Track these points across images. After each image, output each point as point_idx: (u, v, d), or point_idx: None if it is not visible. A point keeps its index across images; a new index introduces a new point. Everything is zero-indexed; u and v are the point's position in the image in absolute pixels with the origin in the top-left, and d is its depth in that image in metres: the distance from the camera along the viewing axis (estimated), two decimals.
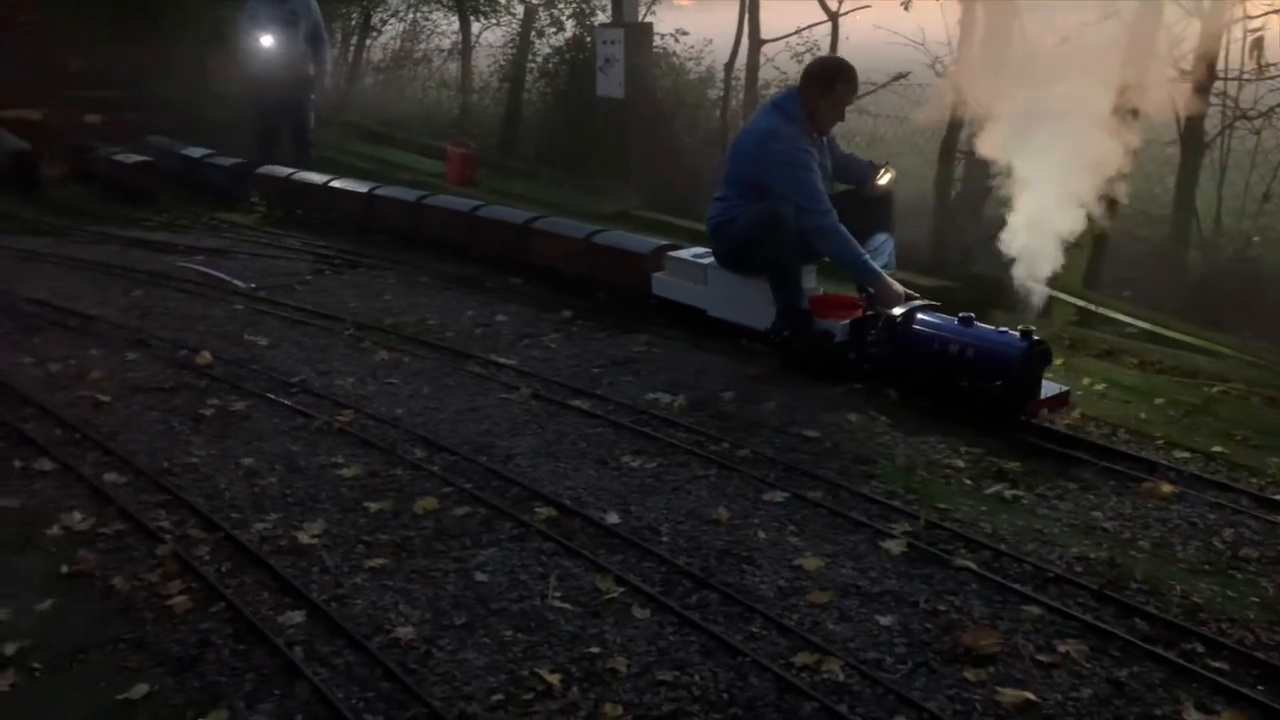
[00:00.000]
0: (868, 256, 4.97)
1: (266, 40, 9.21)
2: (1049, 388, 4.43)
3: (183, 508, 3.75)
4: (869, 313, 4.88)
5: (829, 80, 5.11)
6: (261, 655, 2.94)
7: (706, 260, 5.51)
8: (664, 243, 6.16)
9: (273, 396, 4.77)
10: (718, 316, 5.49)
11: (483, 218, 7.12)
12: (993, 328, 4.49)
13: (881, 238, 5.32)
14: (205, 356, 5.22)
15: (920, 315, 4.65)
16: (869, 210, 5.27)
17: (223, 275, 6.84)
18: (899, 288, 4.89)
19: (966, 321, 4.51)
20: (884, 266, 5.13)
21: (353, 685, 2.81)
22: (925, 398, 4.63)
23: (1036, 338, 4.35)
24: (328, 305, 6.20)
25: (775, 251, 5.02)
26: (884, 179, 5.33)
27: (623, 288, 6.11)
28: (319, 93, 9.65)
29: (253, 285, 6.62)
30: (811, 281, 5.27)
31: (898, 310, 4.70)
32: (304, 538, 3.54)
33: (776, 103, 5.28)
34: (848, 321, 4.96)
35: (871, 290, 4.93)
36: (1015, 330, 4.38)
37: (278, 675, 2.86)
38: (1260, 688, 2.82)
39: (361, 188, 8.14)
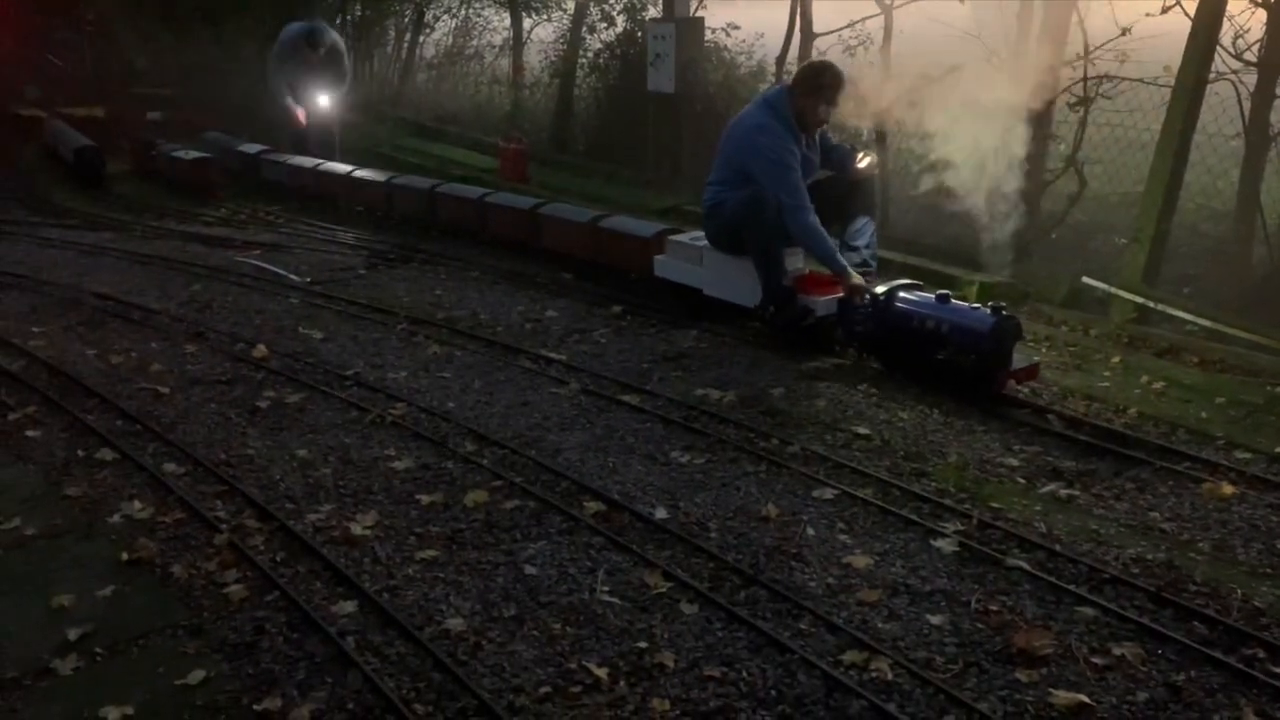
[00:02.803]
0: (838, 253, 5.21)
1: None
2: (1020, 359, 4.66)
3: (239, 498, 3.82)
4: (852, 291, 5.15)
5: (815, 83, 5.32)
6: (314, 644, 2.98)
7: (702, 243, 5.75)
8: (666, 226, 6.52)
9: (327, 389, 4.84)
10: (713, 295, 5.73)
11: (493, 204, 7.59)
12: (967, 304, 4.79)
13: (862, 220, 5.58)
14: (261, 350, 5.30)
15: (901, 294, 4.93)
16: (851, 194, 5.56)
17: (279, 270, 6.94)
18: (859, 280, 5.12)
19: (943, 299, 4.80)
20: (865, 247, 5.52)
21: (403, 675, 2.85)
22: (906, 369, 4.89)
23: (1006, 313, 4.60)
24: (381, 300, 6.27)
25: (759, 233, 5.30)
26: (863, 163, 5.55)
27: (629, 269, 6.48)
28: (338, 128, 9.94)
29: (308, 279, 6.71)
30: (799, 261, 5.52)
31: (881, 289, 4.98)
32: (356, 529, 3.58)
33: (767, 98, 5.48)
34: (834, 298, 5.23)
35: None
36: (987, 306, 4.65)
37: (330, 664, 2.90)
38: None
39: (407, 181, 8.28)
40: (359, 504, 3.78)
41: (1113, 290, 6.03)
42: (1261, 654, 2.91)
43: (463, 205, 7.81)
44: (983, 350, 4.57)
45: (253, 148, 10.14)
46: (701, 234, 5.82)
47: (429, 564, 3.39)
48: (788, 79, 5.80)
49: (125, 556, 3.43)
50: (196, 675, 2.85)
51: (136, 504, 3.76)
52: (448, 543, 3.52)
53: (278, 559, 3.43)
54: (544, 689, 2.79)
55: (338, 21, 14.73)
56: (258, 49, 12.55)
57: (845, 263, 5.21)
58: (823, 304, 5.26)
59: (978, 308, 4.71)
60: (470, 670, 2.86)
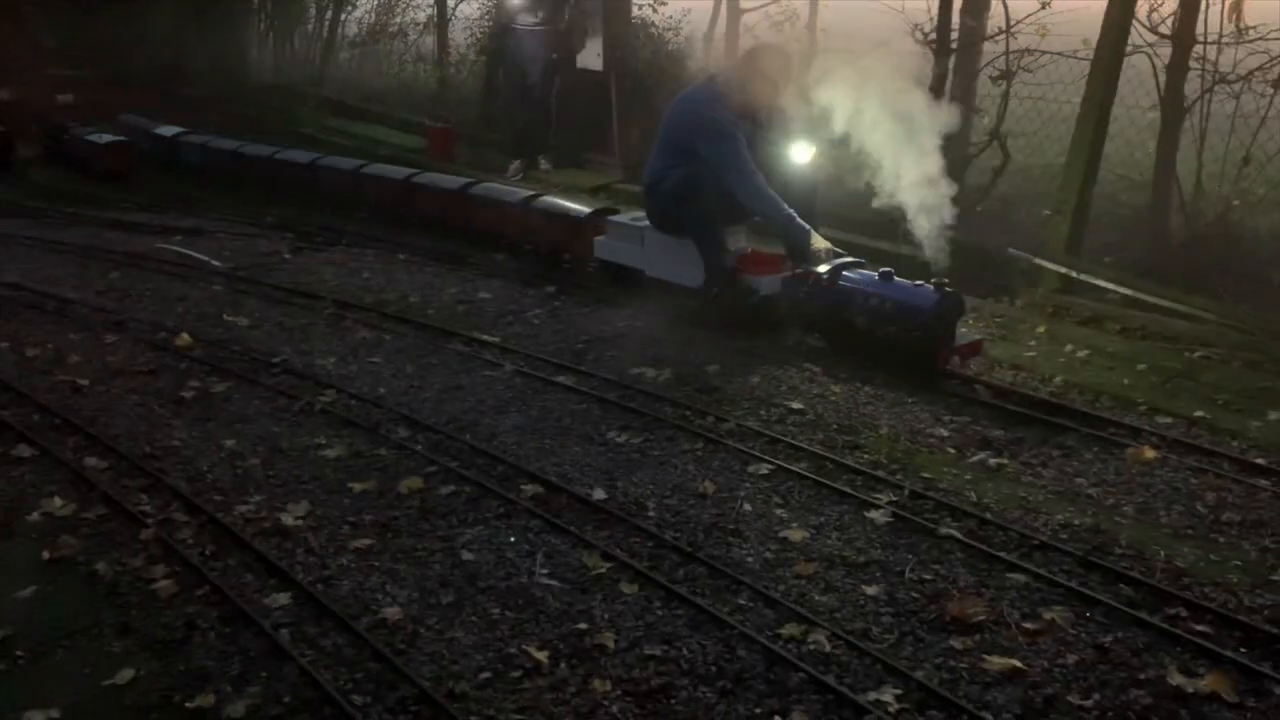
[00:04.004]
0: (794, 214, 5.12)
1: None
2: (963, 336, 4.71)
3: (165, 491, 3.72)
4: (796, 271, 5.11)
5: (755, 62, 5.28)
6: (248, 638, 2.93)
7: (643, 224, 5.70)
8: (600, 206, 6.44)
9: (254, 378, 4.74)
10: (655, 277, 5.68)
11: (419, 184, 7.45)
12: (910, 282, 4.76)
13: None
14: (185, 338, 5.17)
15: (845, 272, 4.93)
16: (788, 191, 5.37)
17: (201, 256, 6.77)
18: (824, 243, 5.10)
19: (886, 277, 4.78)
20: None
21: (340, 666, 2.81)
22: (852, 348, 4.88)
23: (949, 290, 4.62)
24: (308, 284, 6.15)
25: (699, 212, 5.27)
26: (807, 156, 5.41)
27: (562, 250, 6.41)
28: None
29: (232, 265, 6.56)
30: (742, 241, 5.49)
31: (823, 268, 4.96)
32: (288, 519, 3.52)
33: (714, 76, 5.46)
34: (779, 277, 5.21)
35: (799, 247, 5.14)
36: (930, 284, 4.67)
37: (265, 657, 2.85)
38: (1242, 650, 2.84)
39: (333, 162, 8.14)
40: (290, 494, 3.71)
41: (1037, 260, 6.15)
42: (1184, 613, 3.00)
43: (390, 186, 7.67)
44: (926, 327, 4.58)
45: (170, 130, 9.85)
46: (643, 214, 5.76)
47: (364, 553, 3.34)
48: (727, 61, 5.72)
49: (47, 556, 3.33)
50: (125, 675, 2.78)
51: (57, 501, 3.65)
52: (382, 531, 3.47)
53: (207, 552, 3.35)
54: (484, 674, 2.77)
55: (254, 0, 14.38)
56: (174, 26, 12.20)
57: (806, 225, 5.14)
58: (766, 283, 5.24)
59: (921, 285, 4.70)
60: (409, 659, 2.83)
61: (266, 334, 5.35)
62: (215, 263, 6.63)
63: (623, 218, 5.94)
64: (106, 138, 9.58)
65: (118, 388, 4.66)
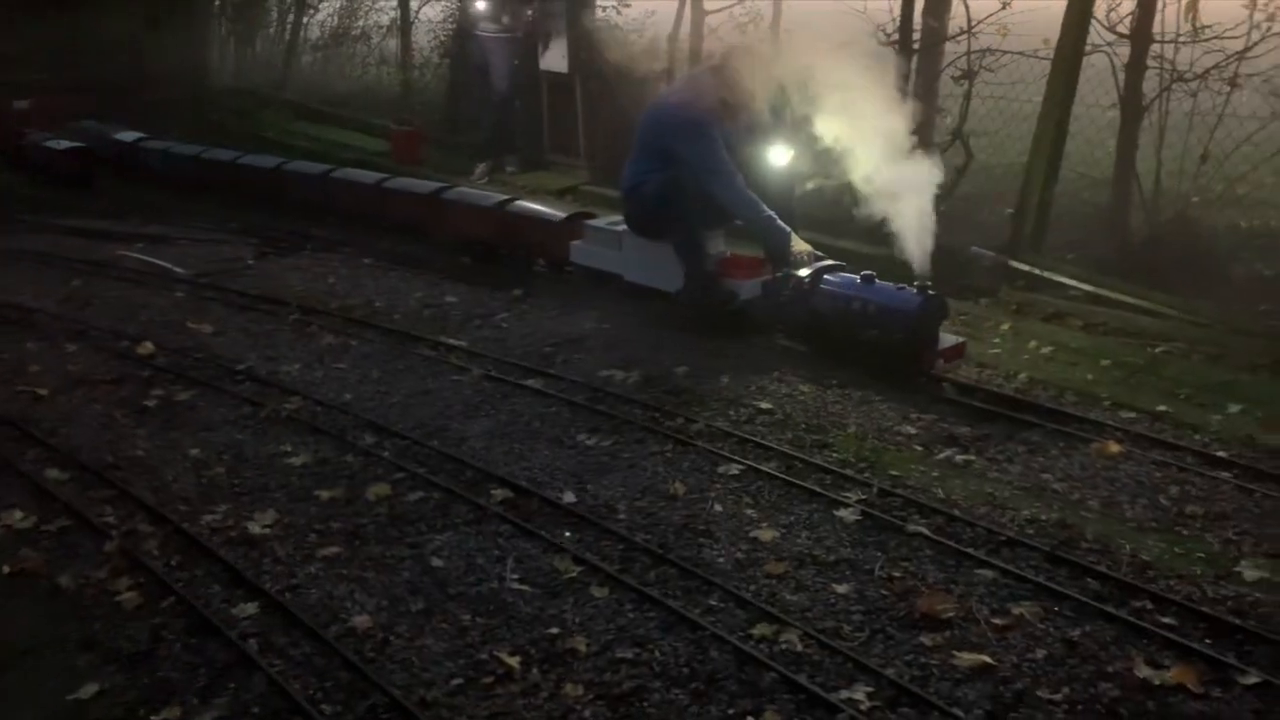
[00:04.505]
0: (774, 216, 5.10)
1: None
2: (946, 339, 4.68)
3: (129, 502, 3.68)
4: (777, 274, 5.07)
5: (733, 64, 5.20)
6: (215, 649, 2.89)
7: (621, 228, 5.65)
8: (577, 210, 6.38)
9: (218, 385, 4.69)
10: (634, 281, 5.63)
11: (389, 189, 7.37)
12: (892, 285, 4.73)
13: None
14: (148, 346, 5.10)
15: (826, 276, 4.90)
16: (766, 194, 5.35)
17: (164, 263, 6.69)
18: (805, 246, 5.08)
19: (868, 280, 4.74)
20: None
21: (310, 676, 2.78)
22: (834, 352, 4.85)
23: (932, 293, 4.60)
24: (272, 290, 6.09)
25: (680, 216, 5.22)
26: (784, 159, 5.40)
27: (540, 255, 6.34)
28: None
29: (195, 272, 6.48)
30: (720, 245, 5.45)
31: (805, 271, 4.92)
32: (255, 528, 3.48)
33: (691, 78, 5.47)
34: (759, 281, 5.18)
35: (779, 250, 5.10)
36: (913, 287, 4.64)
37: (232, 668, 2.82)
38: (1207, 641, 2.88)
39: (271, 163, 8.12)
40: (256, 502, 3.68)
41: (1000, 258, 6.19)
42: (1150, 605, 3.04)
43: (360, 191, 7.56)
44: (910, 330, 4.55)
45: (130, 135, 9.72)
46: (620, 218, 5.71)
47: (332, 561, 3.31)
48: (701, 63, 5.67)
49: (7, 569, 3.28)
50: (89, 689, 2.74)
51: (17, 513, 3.59)
52: (350, 538, 3.44)
53: (173, 563, 3.31)
54: (455, 681, 2.75)
55: (215, 3, 14.23)
56: (133, 31, 12.03)
57: (787, 227, 5.11)
58: (746, 287, 5.20)
59: (904, 288, 4.66)
60: (379, 667, 2.81)
61: (231, 341, 5.30)
62: (178, 269, 6.55)
63: (600, 222, 5.89)
64: (65, 144, 9.44)
65: (79, 397, 4.59)
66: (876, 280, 4.75)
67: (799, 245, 5.08)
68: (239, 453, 4.05)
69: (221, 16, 14.45)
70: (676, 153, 5.20)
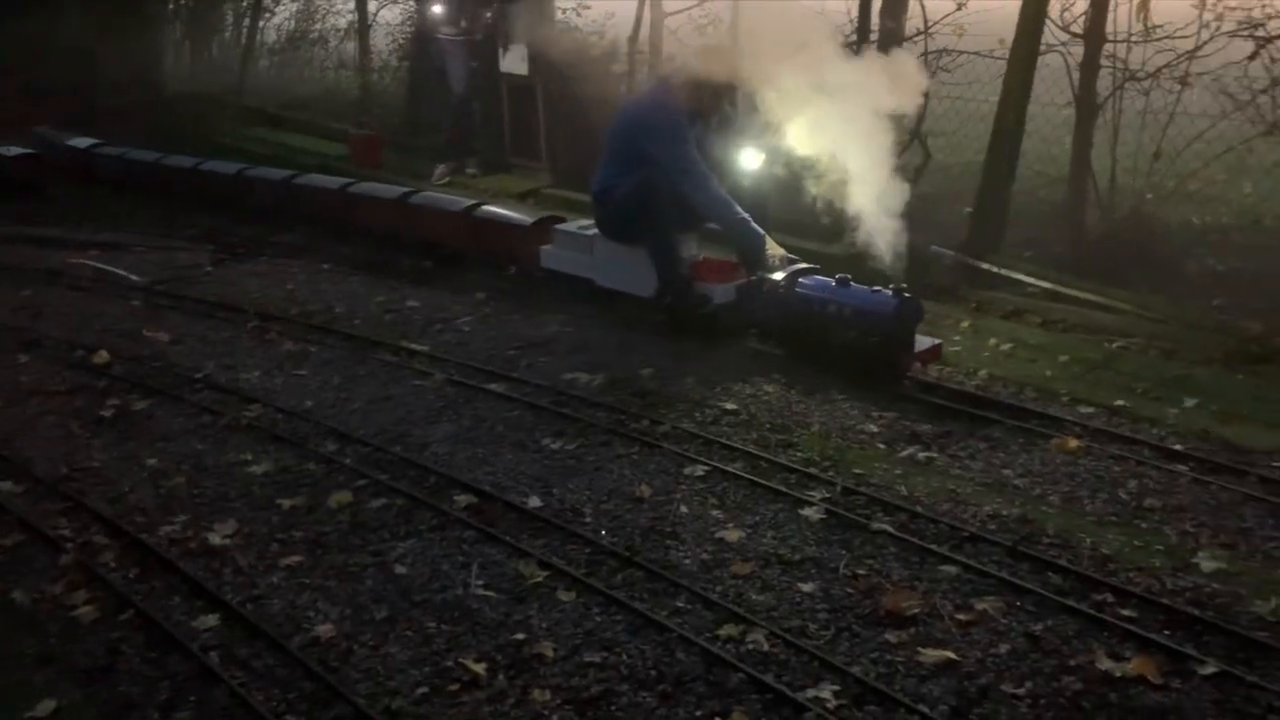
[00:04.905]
0: (749, 218, 5.06)
1: None
2: (923, 341, 4.66)
3: (85, 514, 3.62)
4: (751, 278, 5.04)
5: (704, 64, 5.15)
6: (176, 662, 2.86)
7: (592, 232, 5.59)
8: (546, 215, 6.29)
9: (176, 394, 4.63)
10: (606, 286, 5.57)
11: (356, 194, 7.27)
12: (867, 287, 4.71)
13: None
14: (103, 356, 5.03)
15: (801, 279, 4.87)
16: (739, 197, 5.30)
17: (119, 271, 6.59)
18: (779, 250, 5.06)
19: (843, 283, 4.73)
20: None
21: (273, 687, 2.75)
22: (810, 356, 4.82)
23: (908, 295, 4.58)
24: (231, 297, 6.02)
25: (652, 219, 5.16)
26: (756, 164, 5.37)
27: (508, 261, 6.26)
28: None
29: (151, 279, 6.39)
30: (692, 248, 5.42)
31: (779, 275, 4.89)
32: (215, 539, 3.44)
33: (662, 80, 5.41)
34: (734, 284, 5.14)
35: (754, 253, 5.06)
36: (888, 289, 4.61)
37: (193, 681, 2.78)
38: (1166, 632, 2.92)
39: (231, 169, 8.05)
40: (216, 512, 3.63)
41: (960, 257, 6.25)
42: (1111, 598, 3.08)
43: (325, 196, 7.44)
44: (887, 333, 4.53)
45: (84, 141, 9.57)
46: (589, 222, 5.65)
47: (294, 570, 3.28)
48: (671, 63, 5.61)
49: None
50: (47, 706, 2.69)
51: None
52: (313, 547, 3.41)
53: (131, 576, 3.26)
54: (421, 690, 2.73)
55: (169, 7, 14.06)
56: (86, 36, 11.84)
57: (761, 230, 5.06)
58: (721, 291, 5.13)
59: (879, 290, 4.62)
60: (343, 676, 2.78)
61: (188, 349, 5.23)
62: (134, 277, 6.46)
63: (570, 226, 5.81)
64: (15, 150, 9.27)
65: (33, 408, 4.51)
66: (852, 283, 4.73)
67: (773, 249, 5.06)
68: (198, 462, 4.00)
69: (176, 20, 14.29)
70: (648, 154, 5.15)
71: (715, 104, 5.17)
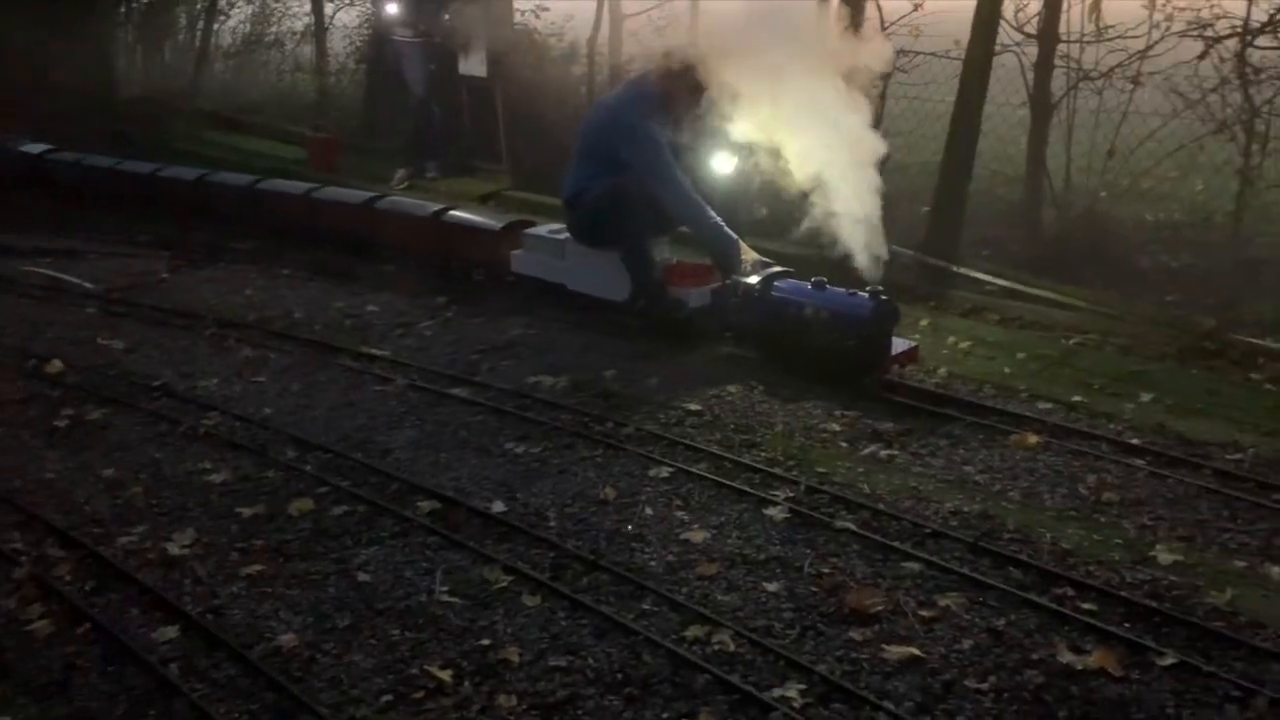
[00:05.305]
0: (722, 222, 5.03)
1: None
2: (899, 344, 4.66)
3: (38, 526, 3.55)
4: (726, 281, 5.01)
5: (677, 65, 5.04)
6: (134, 675, 2.81)
7: (563, 235, 5.53)
8: (515, 219, 6.22)
9: (132, 403, 4.56)
10: (578, 290, 5.52)
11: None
12: (844, 290, 4.70)
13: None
14: (56, 365, 4.94)
15: (777, 283, 4.84)
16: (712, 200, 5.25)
17: (73, 278, 6.48)
18: (753, 254, 5.03)
19: (819, 286, 4.72)
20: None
21: (235, 699, 2.71)
22: (786, 360, 4.79)
23: (884, 297, 4.56)
24: (187, 304, 5.94)
25: (625, 224, 5.11)
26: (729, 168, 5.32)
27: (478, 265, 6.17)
28: None
29: (105, 287, 6.29)
30: (665, 252, 5.38)
31: (755, 279, 4.86)
32: (174, 549, 3.39)
33: (633, 82, 5.33)
34: (709, 288, 5.10)
35: (728, 257, 5.01)
36: (865, 292, 4.60)
37: (153, 695, 2.74)
38: (1126, 625, 2.96)
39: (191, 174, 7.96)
40: (175, 522, 3.58)
41: (918, 256, 6.31)
42: (1071, 592, 3.11)
43: (289, 202, 7.32)
44: (864, 336, 4.51)
45: (37, 147, 9.40)
46: (560, 226, 5.58)
47: (255, 579, 3.24)
48: (648, 67, 5.44)
49: None
50: None
51: None
52: (274, 555, 3.37)
53: (87, 588, 3.21)
54: (385, 698, 2.71)
55: (121, 10, 13.85)
56: (35, 39, 11.63)
57: (734, 234, 5.00)
58: (696, 295, 5.10)
59: (855, 293, 4.61)
60: (306, 686, 2.75)
61: (145, 357, 5.15)
62: (87, 284, 6.36)
63: (541, 230, 5.73)
64: None
65: None
66: (828, 286, 4.71)
67: (747, 253, 5.01)
68: (156, 472, 3.94)
69: (128, 23, 14.07)
70: (621, 157, 5.08)
71: (689, 105, 5.03)
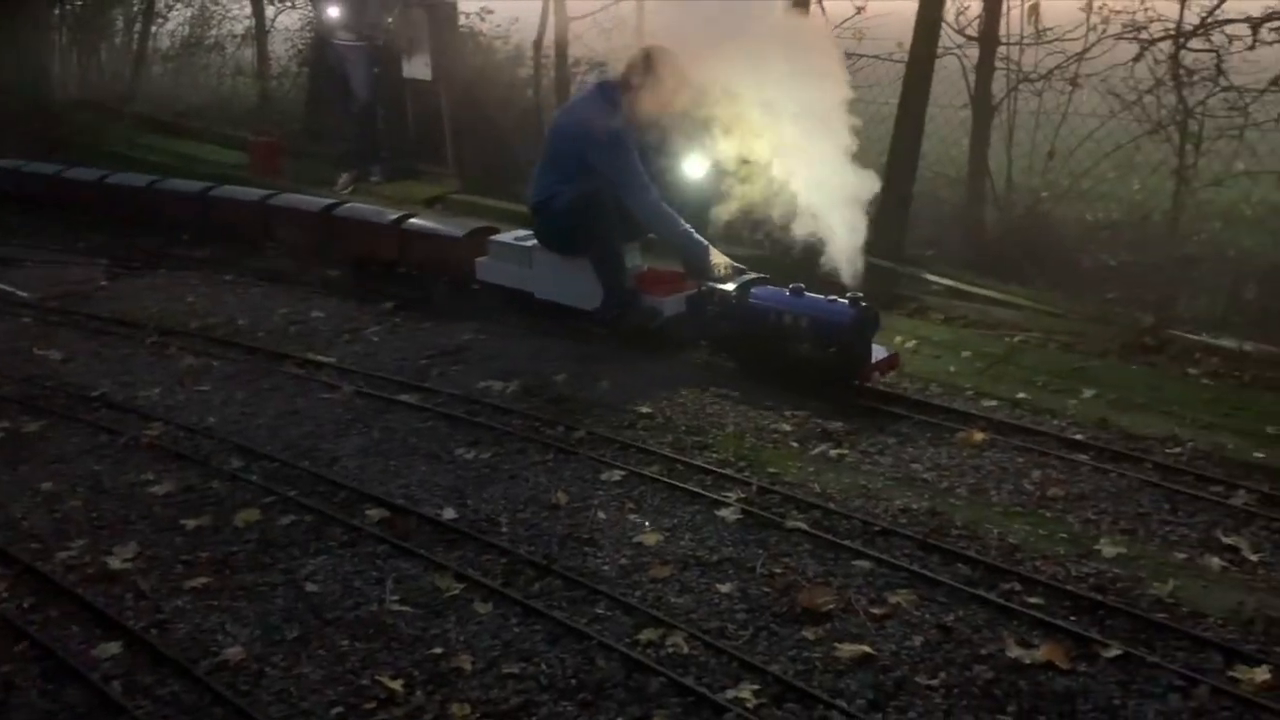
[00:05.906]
0: (691, 229, 4.98)
1: None
2: (879, 351, 4.62)
3: None
4: (701, 289, 4.92)
5: (647, 68, 4.95)
6: (75, 693, 2.75)
7: (531, 243, 5.40)
8: (479, 226, 6.08)
9: (71, 414, 4.46)
10: (546, 299, 5.39)
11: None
12: (823, 297, 4.63)
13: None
14: None
15: (754, 289, 4.77)
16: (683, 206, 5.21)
17: (6, 287, 6.32)
18: (724, 259, 4.97)
19: (798, 292, 4.65)
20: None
21: (180, 715, 2.66)
22: (763, 367, 4.73)
23: (865, 304, 4.52)
24: (127, 312, 5.82)
25: (596, 231, 5.00)
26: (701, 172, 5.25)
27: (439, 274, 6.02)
28: None
29: (40, 295, 6.14)
30: (636, 259, 5.29)
31: (732, 285, 4.79)
32: (115, 563, 3.32)
33: (600, 84, 5.24)
34: (683, 296, 5.01)
35: (699, 264, 4.96)
36: (844, 298, 4.55)
37: (95, 713, 2.68)
38: (1073, 618, 3.00)
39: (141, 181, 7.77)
40: (116, 536, 3.50)
41: (863, 257, 6.35)
42: (1018, 586, 3.16)
43: (242, 209, 7.12)
44: (844, 343, 4.46)
45: None
46: (526, 233, 5.45)
47: (200, 592, 3.18)
48: (604, 71, 5.36)
49: None
50: None
51: None
52: (219, 567, 3.31)
53: (25, 605, 3.13)
54: (336, 710, 2.67)
55: (55, 12, 13.54)
56: None
57: (704, 240, 4.93)
58: (670, 303, 5.00)
59: (835, 300, 4.54)
60: (254, 700, 2.70)
61: (83, 366, 5.04)
62: (22, 293, 6.20)
63: (507, 237, 5.56)
64: None
65: None
66: (806, 292, 4.63)
67: (718, 258, 4.94)
68: (96, 484, 3.85)
69: (62, 25, 13.76)
70: (590, 163, 4.99)
71: (659, 110, 4.93)
